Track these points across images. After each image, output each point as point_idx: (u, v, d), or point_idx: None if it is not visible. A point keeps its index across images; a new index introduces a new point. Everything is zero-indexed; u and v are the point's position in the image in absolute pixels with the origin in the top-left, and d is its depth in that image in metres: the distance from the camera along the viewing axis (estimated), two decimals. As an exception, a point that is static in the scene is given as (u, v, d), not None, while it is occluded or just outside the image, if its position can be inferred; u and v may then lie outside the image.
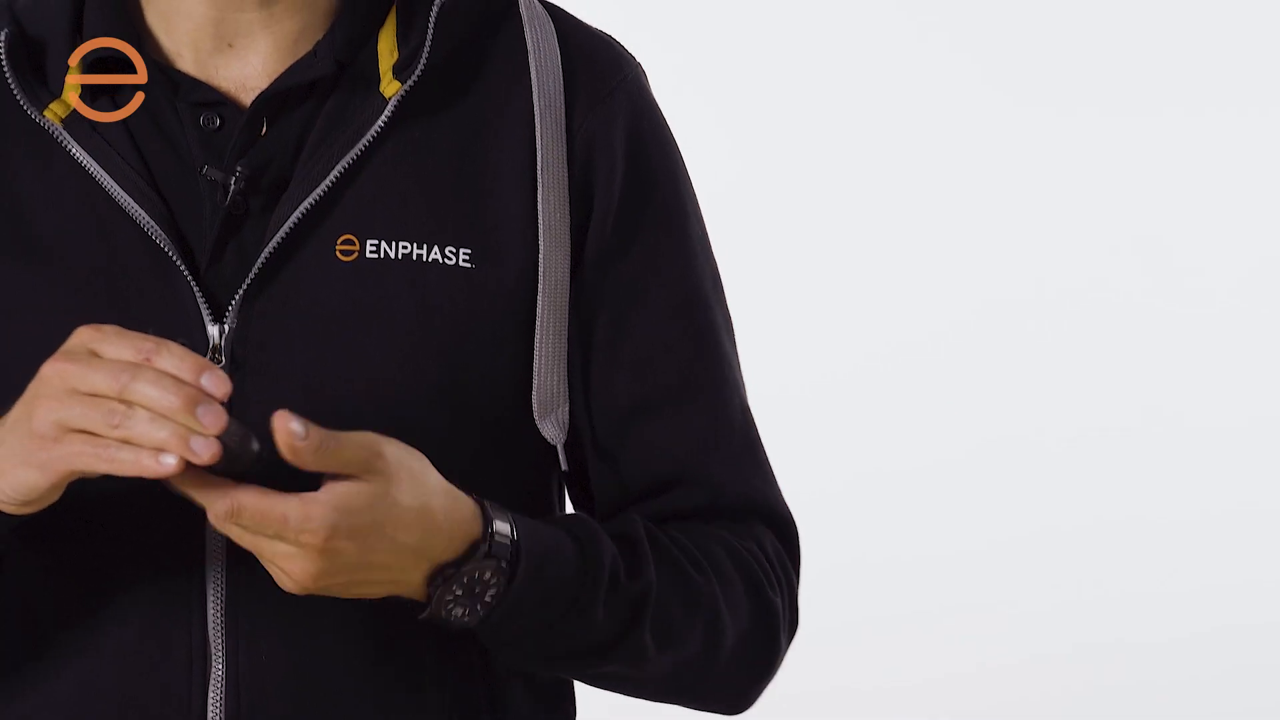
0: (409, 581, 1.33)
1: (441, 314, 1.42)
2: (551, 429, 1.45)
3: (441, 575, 1.33)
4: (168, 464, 1.23)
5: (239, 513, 1.25)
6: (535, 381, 1.44)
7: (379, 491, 1.29)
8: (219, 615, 1.41)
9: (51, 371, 1.27)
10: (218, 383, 1.25)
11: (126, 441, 1.24)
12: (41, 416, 1.26)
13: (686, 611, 1.42)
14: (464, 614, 1.34)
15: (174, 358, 1.25)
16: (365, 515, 1.28)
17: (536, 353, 1.43)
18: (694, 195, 1.51)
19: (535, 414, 1.44)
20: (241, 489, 1.26)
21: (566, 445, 1.47)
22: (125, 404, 1.24)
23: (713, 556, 1.44)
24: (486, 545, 1.33)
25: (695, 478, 1.47)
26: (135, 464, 1.23)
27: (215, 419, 1.23)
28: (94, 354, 1.27)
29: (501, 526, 1.34)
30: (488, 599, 1.34)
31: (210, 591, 1.41)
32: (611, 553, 1.39)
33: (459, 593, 1.33)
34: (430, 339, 1.41)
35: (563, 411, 1.45)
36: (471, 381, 1.42)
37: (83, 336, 1.28)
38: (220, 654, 1.41)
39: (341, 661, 1.42)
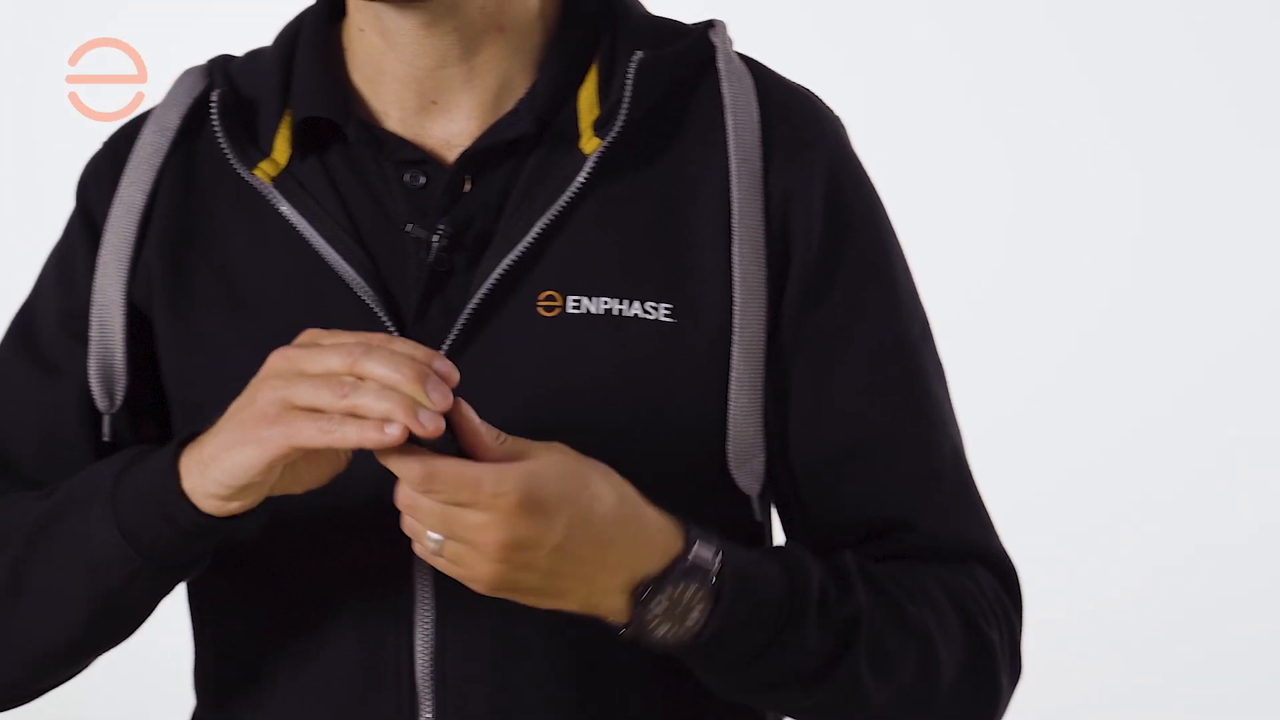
0: (606, 589, 1.32)
1: (642, 368, 1.43)
2: (746, 479, 1.45)
3: (643, 590, 1.32)
4: (392, 433, 1.25)
5: (433, 477, 1.26)
6: (730, 432, 1.44)
7: (569, 466, 1.29)
8: (427, 665, 1.43)
9: (279, 358, 1.30)
10: (448, 369, 1.27)
11: (352, 414, 1.26)
12: (266, 396, 1.29)
13: (900, 637, 1.40)
14: (668, 633, 1.33)
15: (404, 343, 1.28)
16: (555, 486, 1.28)
17: (731, 404, 1.44)
18: (898, 244, 1.50)
19: (730, 464, 1.44)
20: (437, 456, 1.26)
21: (764, 495, 1.47)
22: (355, 378, 1.26)
23: (925, 589, 1.43)
24: (688, 562, 1.33)
25: (905, 524, 1.46)
26: (359, 435, 1.25)
27: (443, 396, 1.26)
28: (317, 346, 1.29)
29: (704, 547, 1.34)
30: (692, 620, 1.33)
31: (419, 641, 1.43)
32: (820, 575, 1.39)
33: (662, 610, 1.32)
34: (630, 392, 1.42)
35: (758, 462, 1.45)
36: (670, 434, 1.43)
37: (310, 334, 1.31)
38: (429, 704, 1.43)
39: (548, 712, 1.43)
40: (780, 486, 1.48)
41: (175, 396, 1.50)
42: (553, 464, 1.29)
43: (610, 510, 1.31)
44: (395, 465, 1.26)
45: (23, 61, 3.74)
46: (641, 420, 1.42)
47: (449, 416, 1.27)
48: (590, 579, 1.31)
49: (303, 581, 1.45)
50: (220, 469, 1.30)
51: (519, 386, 1.43)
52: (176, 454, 1.34)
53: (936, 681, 1.41)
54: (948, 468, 1.48)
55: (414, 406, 1.24)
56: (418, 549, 1.31)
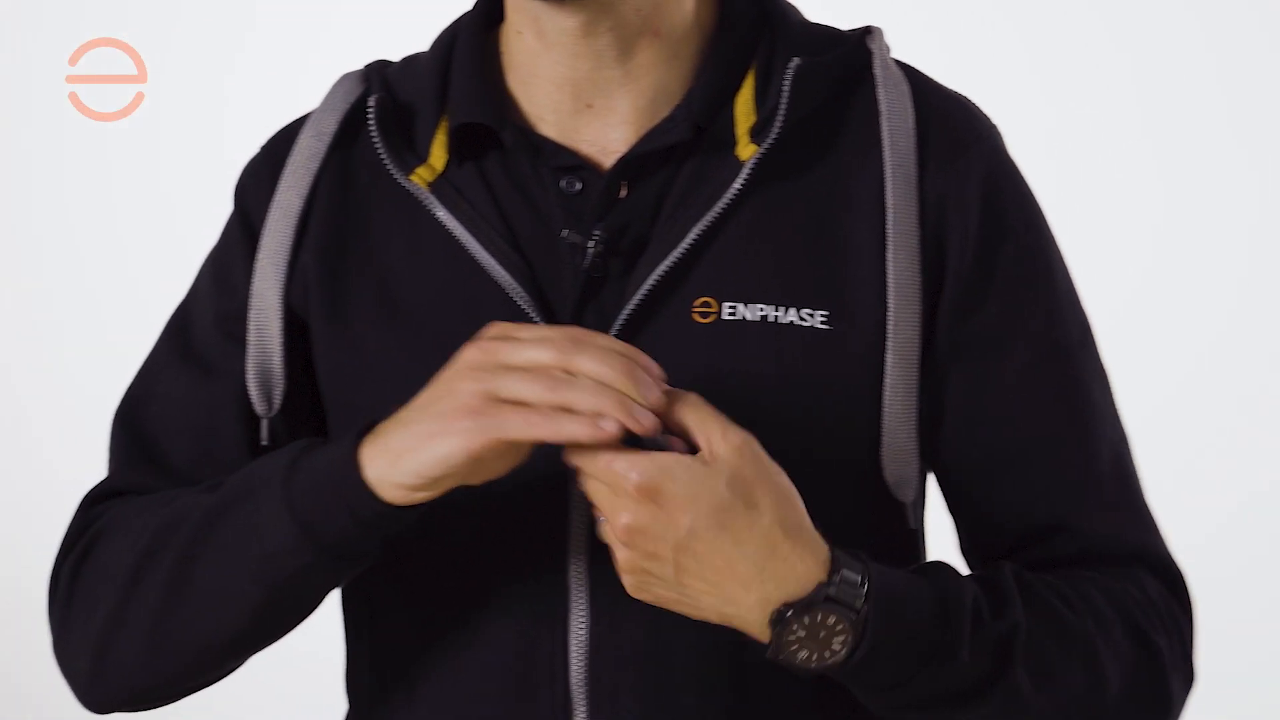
0: (739, 603, 1.32)
1: (798, 374, 1.43)
2: (901, 487, 1.45)
3: (781, 614, 1.32)
4: (608, 429, 1.26)
5: (583, 455, 1.28)
6: (884, 439, 1.44)
7: (696, 471, 1.29)
8: (582, 670, 1.43)
9: (477, 351, 1.30)
10: (651, 365, 1.29)
11: (564, 409, 1.27)
12: (467, 387, 1.29)
13: (1061, 649, 1.40)
14: (810, 658, 1.33)
15: (607, 339, 1.29)
16: (683, 485, 1.28)
17: (886, 411, 1.44)
18: (1057, 248, 1.51)
19: (885, 472, 1.45)
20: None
21: (917, 503, 1.47)
22: (565, 373, 1.27)
23: (1086, 596, 1.43)
24: (830, 590, 1.32)
25: (1065, 528, 1.46)
26: (573, 430, 1.26)
27: (654, 393, 1.27)
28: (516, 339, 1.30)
29: (851, 574, 1.33)
30: (834, 645, 1.32)
31: (573, 645, 1.43)
32: (973, 593, 1.38)
33: (802, 635, 1.32)
34: (787, 399, 1.42)
35: (912, 469, 1.45)
36: (825, 441, 1.43)
37: (501, 328, 1.31)
38: (583, 708, 1.43)
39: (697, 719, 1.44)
40: (942, 493, 1.48)
41: (333, 398, 1.50)
42: (679, 463, 1.29)
43: (758, 526, 1.30)
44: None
45: (23, 61, 3.71)
46: (796, 427, 1.42)
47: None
48: (719, 586, 1.31)
49: (458, 584, 1.45)
50: (416, 460, 1.30)
51: None
52: (355, 444, 1.34)
53: (1103, 692, 1.40)
54: (1107, 471, 1.47)
55: (629, 403, 1.26)
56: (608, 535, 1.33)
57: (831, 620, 1.32)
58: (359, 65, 1.57)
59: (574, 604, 1.43)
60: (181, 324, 1.56)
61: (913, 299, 1.44)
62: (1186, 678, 1.46)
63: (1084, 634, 1.41)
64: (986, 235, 1.46)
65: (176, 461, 1.51)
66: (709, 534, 1.29)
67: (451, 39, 1.53)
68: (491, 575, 1.44)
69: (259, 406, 1.50)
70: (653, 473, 1.27)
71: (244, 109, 3.61)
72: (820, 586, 1.32)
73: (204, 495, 1.43)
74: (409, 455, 1.30)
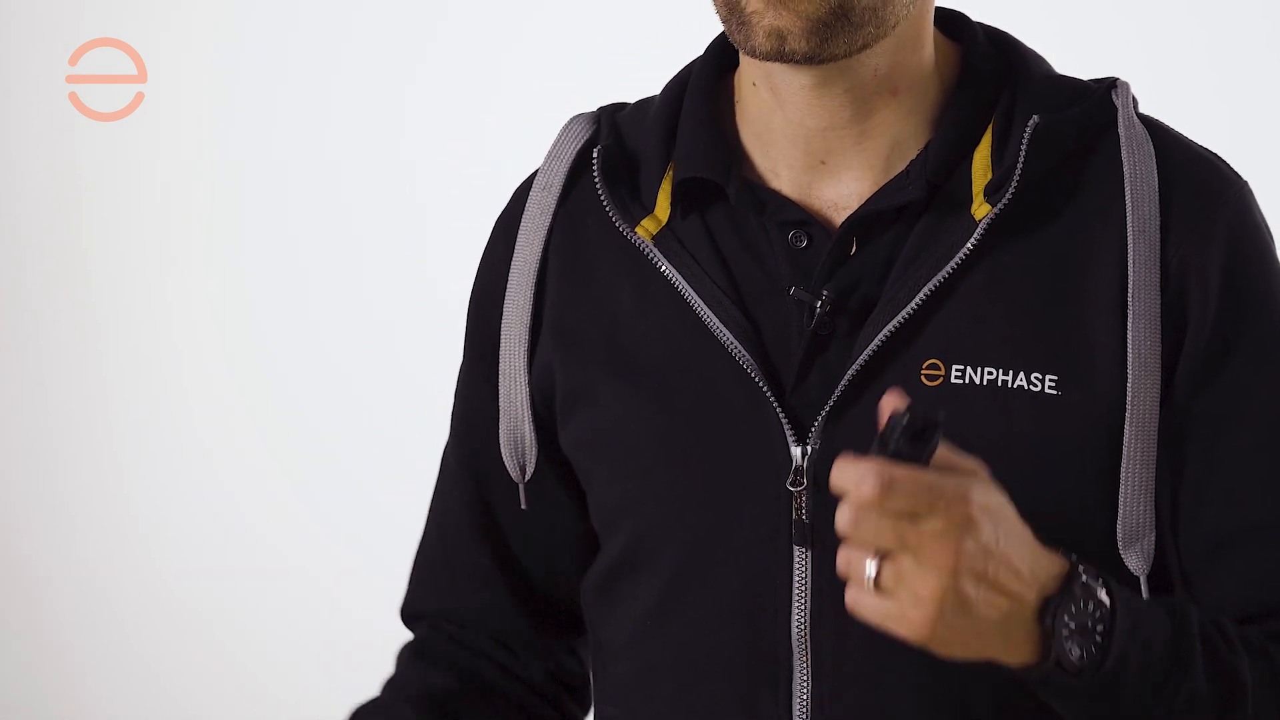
0: (1027, 609, 1.26)
1: (1026, 440, 1.40)
2: (1136, 560, 1.42)
3: (1051, 605, 1.27)
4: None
5: (892, 483, 1.19)
6: (1121, 511, 1.41)
7: (992, 485, 1.25)
8: None
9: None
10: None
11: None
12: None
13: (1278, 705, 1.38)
14: (1082, 653, 1.28)
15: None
16: (992, 498, 1.24)
17: (1123, 482, 1.41)
18: None
19: (1120, 544, 1.41)
20: (888, 464, 1.20)
21: (1152, 576, 1.43)
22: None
23: None
24: (1080, 579, 1.28)
25: None
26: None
27: None
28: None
29: (1086, 567, 1.30)
30: (1099, 633, 1.28)
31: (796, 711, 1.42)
32: (1203, 621, 1.36)
33: (1074, 626, 1.27)
34: (1014, 465, 1.38)
35: (1148, 542, 1.42)
36: (1054, 509, 1.39)
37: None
38: None
39: None
40: (1162, 568, 1.45)
41: (575, 458, 1.49)
42: (982, 477, 1.25)
43: (1020, 524, 1.27)
44: (847, 474, 1.20)
45: (23, 61, 3.66)
46: (1026, 494, 1.36)
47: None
48: (1019, 597, 1.25)
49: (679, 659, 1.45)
50: None
51: None
52: None
53: None
54: None
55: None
56: (851, 594, 1.23)
57: (1090, 607, 1.28)
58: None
59: (797, 668, 1.41)
60: (448, 442, 1.60)
61: (1153, 369, 1.40)
62: None
63: None
64: (1225, 307, 1.42)
65: (432, 580, 1.61)
66: (1009, 540, 1.25)
67: (683, 84, 1.49)
68: (710, 638, 1.43)
69: (513, 474, 1.50)
70: (983, 486, 1.23)
71: (244, 109, 3.58)
72: (1070, 577, 1.28)
73: None
74: None
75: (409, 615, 1.62)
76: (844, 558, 1.23)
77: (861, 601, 1.23)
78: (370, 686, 1.59)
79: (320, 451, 3.58)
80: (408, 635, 1.61)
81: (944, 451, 1.23)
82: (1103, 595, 1.29)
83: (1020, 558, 1.25)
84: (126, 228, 3.64)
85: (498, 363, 1.51)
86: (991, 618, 1.25)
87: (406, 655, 1.60)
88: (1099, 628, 1.28)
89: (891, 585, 1.22)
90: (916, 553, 1.21)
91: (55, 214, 3.67)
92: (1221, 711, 1.36)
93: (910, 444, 1.21)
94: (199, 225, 3.59)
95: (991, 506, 1.24)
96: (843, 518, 1.21)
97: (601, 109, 1.52)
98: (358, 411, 3.57)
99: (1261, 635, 1.41)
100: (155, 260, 3.62)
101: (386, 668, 1.60)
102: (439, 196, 3.49)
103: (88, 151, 3.65)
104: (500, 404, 1.49)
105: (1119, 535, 1.42)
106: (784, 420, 1.41)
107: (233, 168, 3.59)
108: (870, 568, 1.22)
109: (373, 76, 3.54)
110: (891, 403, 1.21)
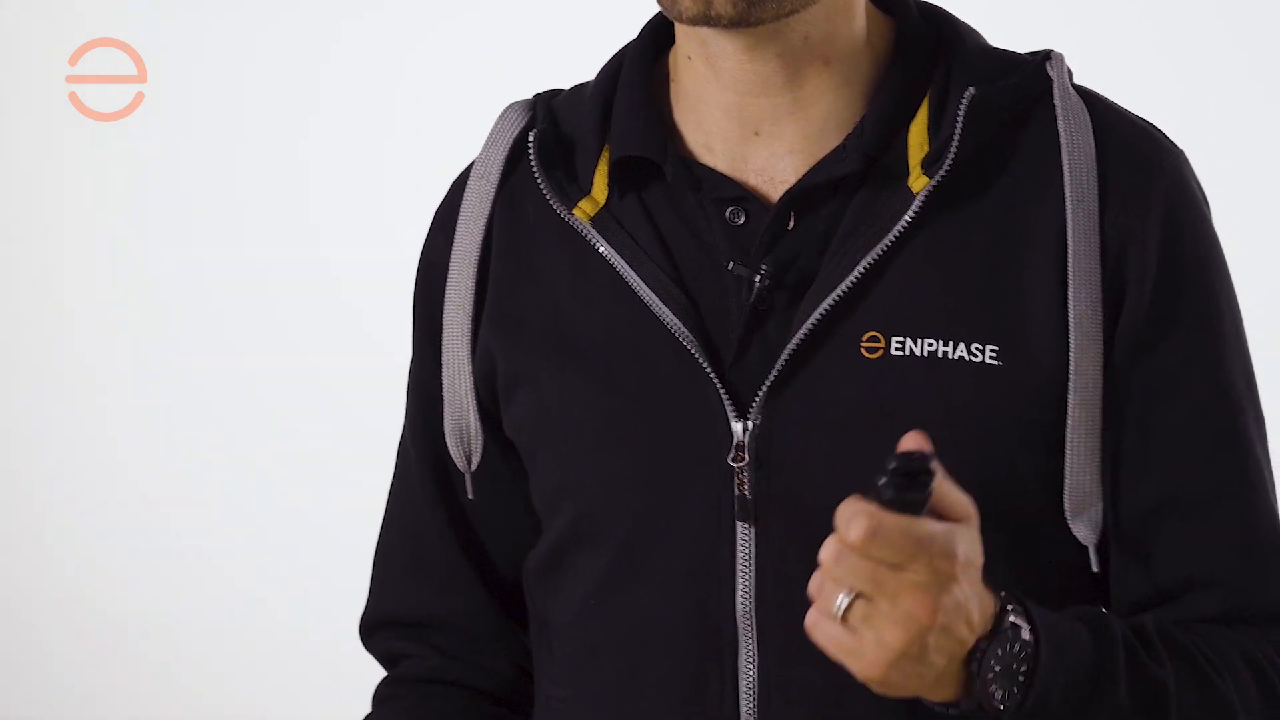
0: (963, 646, 1.27)
1: (967, 411, 1.39)
2: (1084, 529, 1.41)
3: (979, 651, 1.28)
4: None
5: (878, 530, 1.19)
6: (1068, 481, 1.41)
7: (975, 534, 1.26)
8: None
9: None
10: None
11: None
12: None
13: (1205, 711, 1.38)
14: (1004, 695, 1.29)
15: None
16: (974, 553, 1.25)
17: (1069, 452, 1.40)
18: (1231, 289, 1.47)
19: (1068, 514, 1.41)
20: (880, 510, 1.21)
21: (1102, 545, 1.43)
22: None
23: (1226, 657, 1.41)
24: (1007, 618, 1.29)
25: (1219, 583, 1.43)
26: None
27: None
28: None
29: (1013, 603, 1.31)
30: (1021, 676, 1.29)
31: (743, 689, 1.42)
32: (1125, 634, 1.36)
33: (998, 669, 1.28)
34: (955, 436, 1.38)
35: (1096, 511, 1.42)
36: (998, 480, 1.40)
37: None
38: None
39: None
40: (1104, 536, 1.45)
41: (517, 442, 1.50)
42: (968, 531, 1.25)
43: (977, 574, 1.28)
44: (843, 513, 1.21)
45: (23, 61, 3.67)
46: (967, 465, 1.36)
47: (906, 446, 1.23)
48: (967, 643, 1.27)
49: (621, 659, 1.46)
50: None
51: (840, 428, 1.40)
52: None
53: None
54: (1266, 526, 1.44)
55: None
56: (812, 616, 1.25)
57: (1015, 649, 1.29)
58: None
59: (743, 644, 1.41)
60: (404, 437, 1.59)
61: (1095, 339, 1.40)
62: None
63: (1225, 696, 1.39)
64: (1163, 277, 1.42)
65: (397, 583, 1.58)
66: (973, 595, 1.26)
67: (617, 68, 1.50)
68: (656, 615, 1.44)
69: (459, 463, 1.50)
70: (970, 543, 1.24)
71: (244, 109, 3.58)
72: (998, 618, 1.29)
73: None
74: None
75: (375, 622, 1.60)
76: (816, 583, 1.24)
77: (821, 627, 1.24)
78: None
79: (239, 456, 3.57)
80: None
81: (945, 487, 1.24)
82: (1026, 634, 1.30)
83: (976, 610, 1.26)
84: (126, 228, 3.64)
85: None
86: (939, 665, 1.26)
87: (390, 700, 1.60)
88: (1022, 668, 1.29)
89: (857, 624, 1.23)
90: (892, 600, 1.22)
91: (55, 214, 3.67)
92: None
93: (901, 490, 1.21)
94: (199, 225, 3.59)
95: (970, 562, 1.24)
96: (826, 551, 1.22)
97: (537, 95, 1.53)
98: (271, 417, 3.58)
99: (1190, 634, 1.41)
100: (155, 260, 3.63)
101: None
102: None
103: (88, 151, 3.66)
104: (444, 394, 1.50)
105: (1066, 506, 1.41)
106: (725, 396, 1.41)
107: (233, 167, 3.60)
108: (841, 601, 1.23)
109: (372, 76, 3.54)
110: (910, 442, 1.22)
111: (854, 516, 1.20)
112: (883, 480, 1.21)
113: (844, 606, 1.22)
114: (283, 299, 3.59)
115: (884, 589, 1.21)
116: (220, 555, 3.57)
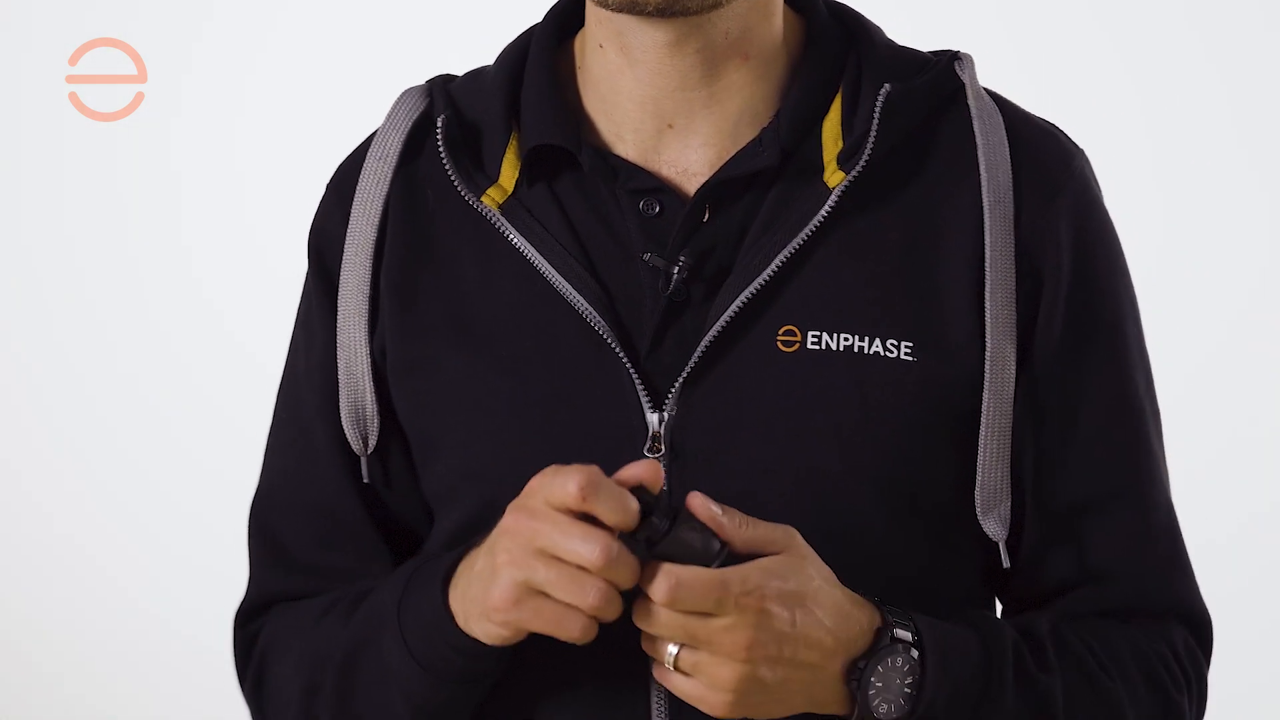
0: (830, 675, 1.33)
1: (882, 406, 1.40)
2: (994, 525, 1.42)
3: (858, 669, 1.33)
4: (589, 633, 1.29)
5: (679, 587, 1.27)
6: (979, 477, 1.41)
7: (796, 562, 1.31)
8: None
9: (513, 525, 1.30)
10: (652, 474, 1.30)
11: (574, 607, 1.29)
12: (506, 577, 1.30)
13: (1094, 714, 1.41)
14: (891, 709, 1.33)
15: (610, 501, 1.28)
16: (791, 581, 1.30)
17: (981, 448, 1.41)
18: (1132, 292, 1.49)
19: (978, 510, 1.42)
20: (677, 567, 1.28)
21: (1011, 541, 1.44)
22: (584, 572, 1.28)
23: (1118, 658, 1.43)
24: (890, 633, 1.34)
25: (1118, 577, 1.45)
26: (572, 630, 1.29)
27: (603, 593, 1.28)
28: (550, 506, 1.29)
29: (898, 616, 1.35)
30: (907, 688, 1.33)
31: None
32: (1015, 641, 1.39)
33: (880, 685, 1.33)
34: (870, 431, 1.39)
35: (1004, 509, 1.42)
36: (910, 475, 1.41)
37: (542, 486, 1.30)
38: None
39: None
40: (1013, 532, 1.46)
41: (409, 426, 1.48)
42: (781, 562, 1.30)
43: (827, 593, 1.32)
44: (644, 576, 1.28)
45: (23, 61, 3.68)
46: (883, 459, 1.40)
47: (692, 510, 1.30)
48: (814, 669, 1.32)
49: (542, 699, 1.45)
50: (474, 629, 1.35)
51: (755, 422, 1.40)
52: (444, 590, 1.37)
53: None
54: (1162, 526, 1.47)
55: (616, 604, 1.29)
56: (657, 671, 1.32)
57: (899, 663, 1.33)
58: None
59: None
60: (284, 396, 1.56)
61: (1010, 338, 1.41)
62: (1199, 716, 1.49)
63: (1115, 698, 1.41)
64: (1075, 277, 1.44)
65: (304, 559, 1.52)
66: (813, 616, 1.31)
67: (521, 53, 1.49)
68: (574, 692, 1.44)
69: (355, 445, 1.48)
70: (770, 577, 1.29)
71: (244, 109, 3.59)
72: (879, 633, 1.34)
73: (338, 629, 1.46)
74: (471, 623, 1.35)
75: (262, 604, 1.54)
76: (646, 641, 1.31)
77: (665, 678, 1.32)
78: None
79: (120, 452, 3.59)
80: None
81: (755, 529, 1.30)
82: (912, 649, 1.34)
83: (823, 631, 1.31)
84: (127, 228, 3.66)
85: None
86: (792, 689, 1.31)
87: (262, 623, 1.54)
88: (908, 681, 1.34)
89: (690, 670, 1.30)
90: (709, 646, 1.29)
91: (55, 214, 3.69)
92: None
93: (653, 529, 1.29)
94: (200, 225, 3.61)
95: (788, 591, 1.29)
96: (638, 612, 1.30)
97: (432, 81, 1.52)
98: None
99: (1084, 635, 1.43)
100: (155, 260, 3.64)
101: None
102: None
103: (88, 151, 3.67)
104: (340, 376, 1.48)
105: (977, 502, 1.42)
106: (640, 386, 1.41)
107: (233, 167, 3.61)
108: (670, 652, 1.30)
109: (372, 77, 3.55)
110: (694, 504, 1.30)
111: (655, 577, 1.27)
112: (649, 532, 1.29)
113: (674, 657, 1.30)
114: (285, 300, 3.60)
115: (698, 636, 1.28)
116: (102, 554, 3.58)
